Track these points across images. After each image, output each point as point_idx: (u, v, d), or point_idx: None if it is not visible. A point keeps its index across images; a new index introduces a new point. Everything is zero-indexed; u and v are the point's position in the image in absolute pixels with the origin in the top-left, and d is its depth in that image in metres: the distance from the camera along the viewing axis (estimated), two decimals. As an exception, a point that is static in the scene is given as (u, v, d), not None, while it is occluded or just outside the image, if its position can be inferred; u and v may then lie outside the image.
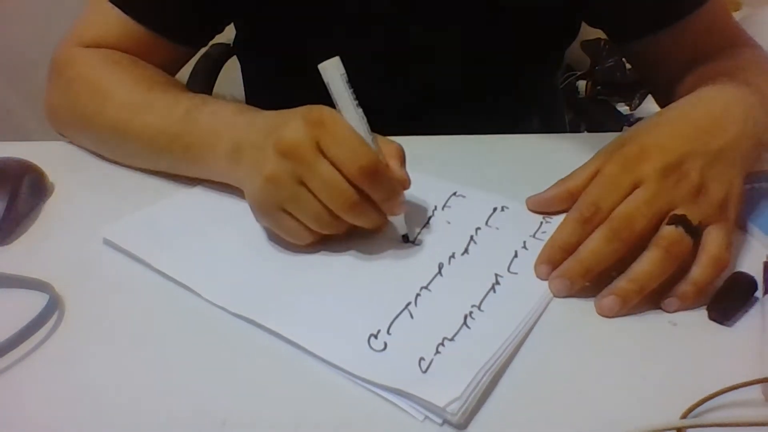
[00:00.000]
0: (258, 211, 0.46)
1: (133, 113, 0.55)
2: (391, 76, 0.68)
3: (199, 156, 0.51)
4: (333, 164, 0.42)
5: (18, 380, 0.37)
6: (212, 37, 0.70)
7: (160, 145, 0.53)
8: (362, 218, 0.44)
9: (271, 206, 0.44)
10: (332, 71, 0.43)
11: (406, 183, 0.45)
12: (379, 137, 0.46)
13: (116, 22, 0.61)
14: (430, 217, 0.50)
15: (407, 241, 0.47)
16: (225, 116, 0.50)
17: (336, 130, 0.42)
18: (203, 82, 0.98)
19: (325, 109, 0.43)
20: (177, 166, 0.54)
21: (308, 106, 0.44)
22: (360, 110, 0.44)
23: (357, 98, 0.43)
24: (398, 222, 0.47)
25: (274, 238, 0.47)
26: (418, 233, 0.48)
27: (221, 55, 1.02)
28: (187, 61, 0.70)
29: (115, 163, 0.59)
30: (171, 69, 0.66)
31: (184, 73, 0.95)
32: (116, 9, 0.61)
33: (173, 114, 0.53)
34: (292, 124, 0.43)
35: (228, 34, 0.76)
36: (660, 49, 0.65)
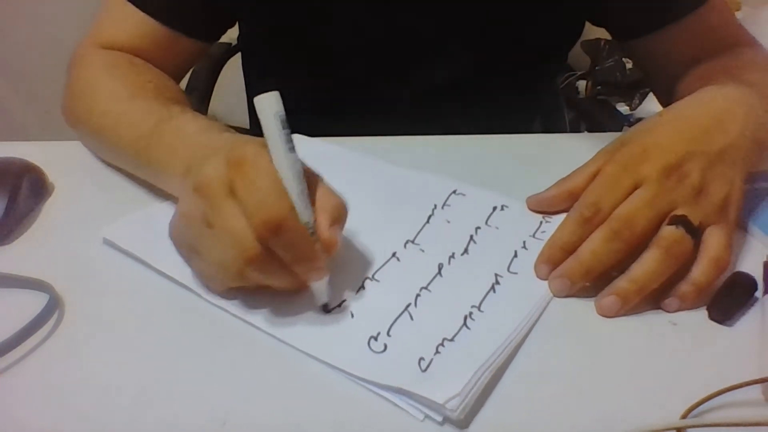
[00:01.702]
0: (174, 245, 0.43)
1: (111, 123, 0.55)
2: (391, 75, 0.68)
3: (159, 172, 0.50)
4: (243, 207, 0.37)
5: (18, 380, 0.37)
6: (224, 31, 0.71)
7: (130, 157, 0.54)
8: (267, 276, 0.39)
9: (182, 244, 0.42)
10: (266, 108, 0.38)
11: (331, 247, 0.39)
12: (323, 188, 0.41)
13: (132, 20, 0.62)
14: (430, 216, 0.50)
15: (327, 311, 0.41)
16: (186, 135, 0.48)
17: (252, 173, 0.37)
18: (204, 82, 0.98)
19: (251, 147, 0.38)
20: (147, 177, 0.54)
21: (239, 141, 0.40)
22: (294, 154, 0.38)
23: (291, 141, 0.38)
24: (316, 289, 0.40)
25: None
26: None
27: (222, 55, 1.02)
28: (203, 56, 0.70)
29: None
30: (186, 65, 0.67)
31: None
32: (131, 6, 0.62)
33: (142, 127, 0.51)
34: (213, 160, 0.39)
35: (230, 34, 0.76)
36: (662, 48, 0.66)
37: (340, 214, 0.40)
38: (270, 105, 0.38)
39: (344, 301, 0.42)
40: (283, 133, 0.38)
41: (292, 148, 0.38)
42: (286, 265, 0.38)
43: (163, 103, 0.54)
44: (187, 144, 0.47)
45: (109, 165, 0.59)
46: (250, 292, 0.41)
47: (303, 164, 0.39)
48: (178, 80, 0.66)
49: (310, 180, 0.40)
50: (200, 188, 0.38)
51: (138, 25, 0.62)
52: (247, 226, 0.36)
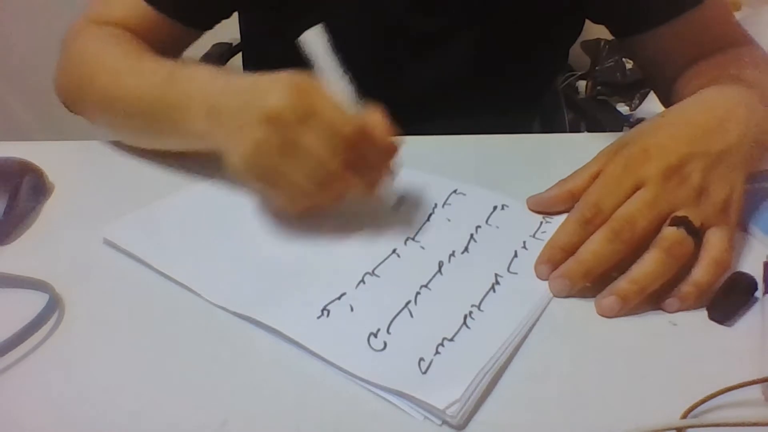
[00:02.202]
0: (245, 176, 0.45)
1: (121, 77, 0.56)
2: (391, 75, 0.68)
3: (178, 117, 0.51)
4: (319, 133, 0.42)
5: (18, 380, 0.37)
6: (219, 21, 0.71)
7: (143, 108, 0.54)
8: (348, 187, 0.45)
9: (260, 172, 0.44)
10: (315, 40, 0.43)
11: (392, 150, 0.45)
12: (367, 105, 0.46)
13: (126, 1, 0.64)
14: (430, 215, 0.51)
15: (397, 209, 0.49)
16: (203, 78, 0.50)
17: (321, 99, 0.42)
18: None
19: (308, 78, 0.43)
20: (159, 132, 0.55)
21: (290, 74, 0.44)
22: (345, 78, 0.44)
23: (343, 65, 0.44)
24: (387, 189, 0.47)
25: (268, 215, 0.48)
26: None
27: (222, 55, 1.03)
28: (191, 43, 0.71)
29: (115, 162, 0.59)
30: (175, 50, 0.67)
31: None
32: None
33: (156, 77, 0.54)
34: (276, 90, 0.43)
35: (230, 34, 0.76)
36: (661, 46, 0.66)
37: (387, 123, 0.45)
38: (318, 37, 0.43)
39: (344, 294, 0.42)
40: (334, 60, 0.44)
41: (344, 73, 0.44)
42: (362, 172, 0.44)
43: (169, 60, 0.57)
44: (205, 86, 0.49)
45: (109, 165, 0.59)
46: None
47: None
48: None
49: None
50: (273, 117, 0.42)
51: (130, 5, 0.64)
52: (326, 146, 0.42)
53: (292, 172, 0.43)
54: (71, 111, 0.64)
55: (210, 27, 0.71)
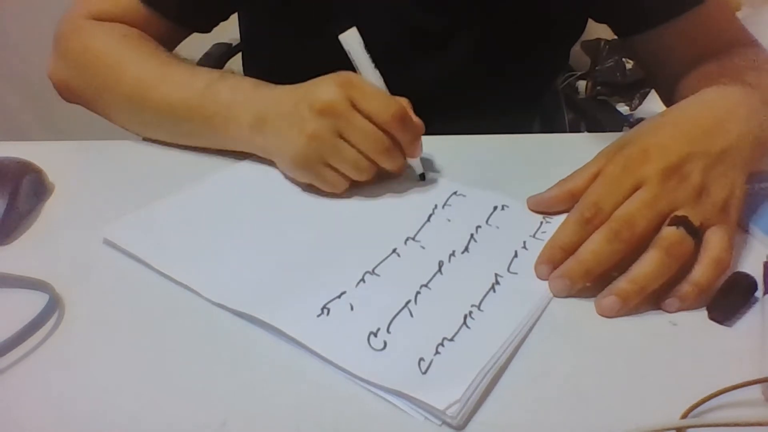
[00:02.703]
0: (301, 168, 0.51)
1: (150, 85, 0.58)
2: (392, 74, 0.68)
3: (221, 126, 0.55)
4: (367, 117, 0.49)
5: (18, 380, 0.37)
6: (216, 23, 0.71)
7: (180, 115, 0.57)
8: (393, 161, 0.51)
9: (315, 161, 0.50)
10: (353, 40, 0.51)
11: (421, 128, 0.52)
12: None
13: None
14: (430, 215, 0.51)
15: (423, 179, 0.55)
16: (245, 90, 0.55)
17: (365, 88, 0.49)
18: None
19: (350, 73, 0.50)
20: (197, 133, 0.58)
21: (334, 73, 0.50)
22: (377, 72, 0.52)
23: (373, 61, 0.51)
24: (415, 163, 0.54)
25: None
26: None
27: (222, 55, 1.02)
28: (179, 42, 0.71)
29: (115, 162, 0.59)
30: (168, 47, 0.67)
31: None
32: None
33: (193, 86, 0.57)
34: (324, 87, 0.49)
35: (230, 34, 0.76)
36: (663, 45, 0.66)
37: (410, 106, 0.53)
38: (356, 37, 0.51)
39: (344, 293, 0.42)
40: (368, 56, 0.51)
41: (375, 67, 0.52)
42: (400, 150, 0.51)
43: (196, 66, 0.61)
44: (250, 98, 0.54)
45: (109, 165, 0.59)
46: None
47: None
48: None
49: None
50: (325, 109, 0.49)
51: (125, 2, 0.64)
52: (375, 127, 0.49)
53: (347, 153, 0.49)
54: (68, 101, 0.65)
55: (208, 29, 0.71)
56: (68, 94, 0.65)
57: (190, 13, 0.67)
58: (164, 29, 0.66)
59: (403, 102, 0.52)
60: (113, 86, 0.60)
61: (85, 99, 0.63)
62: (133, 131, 0.62)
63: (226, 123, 0.55)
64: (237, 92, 0.55)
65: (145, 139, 0.62)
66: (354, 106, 0.49)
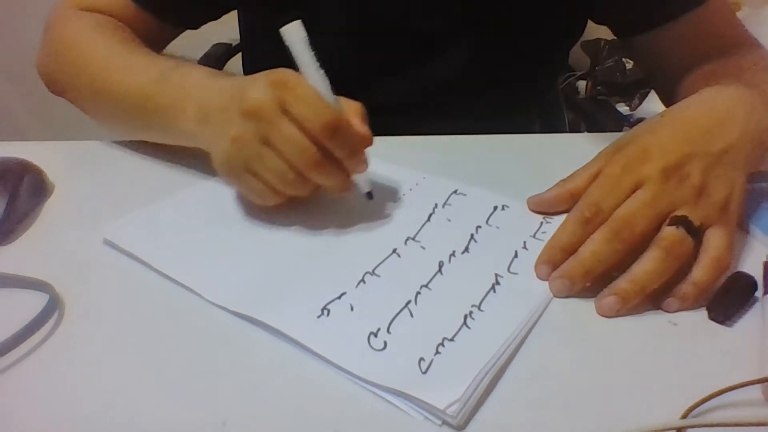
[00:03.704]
0: (224, 172, 0.47)
1: (112, 72, 0.56)
2: (392, 75, 0.68)
3: (170, 117, 0.52)
4: (296, 123, 0.43)
5: (18, 380, 0.37)
6: (204, 22, 0.70)
7: (134, 105, 0.55)
8: (326, 177, 0.45)
9: (237, 167, 0.45)
10: (294, 34, 0.44)
11: (367, 139, 0.46)
12: (340, 97, 0.46)
13: None
14: (430, 215, 0.51)
15: (371, 198, 0.49)
16: (196, 79, 0.51)
17: (298, 91, 0.43)
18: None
19: (287, 71, 0.44)
20: (149, 128, 0.56)
21: (271, 70, 0.45)
22: (321, 72, 0.44)
23: (318, 60, 0.45)
24: (361, 180, 0.48)
25: (254, 216, 0.48)
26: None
27: (222, 55, 1.02)
28: (174, 38, 0.70)
29: (115, 162, 0.59)
30: (158, 45, 0.67)
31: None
32: None
33: (148, 74, 0.54)
34: (256, 86, 0.44)
35: (230, 34, 0.76)
36: (663, 46, 0.66)
37: (363, 113, 0.46)
38: (297, 31, 0.44)
39: (344, 293, 0.42)
40: (311, 55, 0.44)
41: (320, 66, 0.44)
42: (339, 164, 0.45)
43: (162, 56, 0.57)
44: (199, 88, 0.50)
45: (109, 165, 0.59)
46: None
47: None
48: None
49: None
50: (252, 111, 0.43)
51: None
52: (304, 136, 0.43)
53: (272, 162, 0.44)
54: (54, 93, 0.64)
55: (195, 27, 0.70)
56: (51, 85, 0.64)
57: (170, 9, 0.66)
58: (151, 25, 0.65)
59: (353, 107, 0.46)
60: (80, 75, 0.59)
61: (64, 89, 0.63)
62: (104, 126, 0.61)
63: (173, 113, 0.51)
64: (188, 80, 0.51)
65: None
66: (284, 110, 0.43)
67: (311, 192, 0.47)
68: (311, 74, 0.44)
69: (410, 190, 0.54)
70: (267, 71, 0.45)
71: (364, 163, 0.46)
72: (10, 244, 0.49)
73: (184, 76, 0.52)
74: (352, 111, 0.46)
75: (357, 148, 0.45)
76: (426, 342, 0.38)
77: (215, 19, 0.71)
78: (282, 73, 0.44)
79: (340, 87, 0.72)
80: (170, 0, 0.65)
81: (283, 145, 0.43)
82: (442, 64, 0.68)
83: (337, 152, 0.44)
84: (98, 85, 0.57)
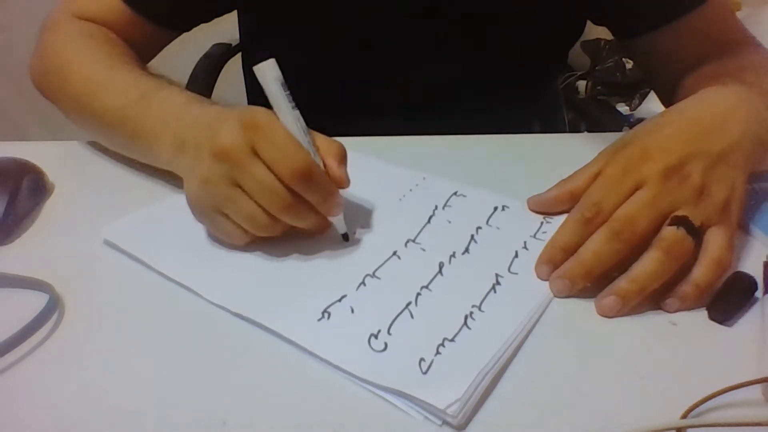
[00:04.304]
0: (194, 211, 0.46)
1: (93, 90, 0.56)
2: (391, 75, 0.68)
3: (147, 142, 0.52)
4: (267, 166, 0.42)
5: (18, 380, 0.37)
6: (196, 24, 0.70)
7: (113, 126, 0.55)
8: (299, 219, 0.44)
9: (207, 207, 0.45)
10: (267, 73, 0.43)
11: (343, 183, 0.45)
12: (320, 136, 0.46)
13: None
14: (431, 217, 0.51)
15: (346, 240, 0.47)
16: (175, 106, 0.50)
17: (270, 133, 0.42)
18: (203, 83, 0.98)
19: (260, 111, 0.43)
20: (128, 148, 0.56)
21: (245, 108, 0.44)
22: (296, 112, 0.44)
23: (293, 100, 0.44)
24: (337, 221, 0.46)
25: (217, 238, 0.47)
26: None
27: (221, 55, 1.02)
28: (169, 42, 0.70)
29: (115, 162, 0.59)
30: (151, 50, 0.67)
31: (185, 73, 0.95)
32: None
33: (129, 96, 0.54)
34: (227, 126, 0.43)
35: (230, 34, 0.76)
36: (663, 47, 0.66)
37: (342, 155, 0.45)
38: (270, 70, 0.43)
39: (345, 296, 0.42)
40: (285, 95, 0.43)
41: (294, 107, 0.43)
42: (311, 207, 0.43)
43: (143, 74, 0.56)
44: (177, 116, 0.49)
45: (109, 165, 0.59)
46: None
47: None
48: (143, 63, 0.66)
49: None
50: (222, 153, 0.42)
51: (109, 3, 0.64)
52: (275, 179, 0.41)
53: (242, 205, 0.43)
54: (42, 95, 0.64)
55: (187, 29, 0.70)
56: (40, 89, 0.64)
57: (164, 12, 0.65)
58: (145, 30, 0.65)
59: (332, 148, 0.45)
60: (62, 85, 0.59)
61: (49, 96, 0.63)
62: (88, 135, 0.61)
63: (150, 139, 0.51)
64: (167, 107, 0.51)
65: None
66: (255, 153, 0.42)
67: (284, 233, 0.45)
68: (285, 115, 0.43)
69: (410, 191, 0.54)
70: (241, 109, 0.44)
71: (339, 206, 0.45)
72: (10, 244, 0.49)
73: (164, 103, 0.51)
74: (331, 152, 0.45)
75: (331, 192, 0.44)
76: (426, 342, 0.38)
77: (207, 21, 0.71)
78: (254, 113, 0.43)
79: (340, 88, 0.73)
80: (164, 3, 0.65)
81: (253, 188, 0.42)
82: (442, 64, 0.68)
83: (309, 197, 0.43)
84: (80, 100, 0.57)
